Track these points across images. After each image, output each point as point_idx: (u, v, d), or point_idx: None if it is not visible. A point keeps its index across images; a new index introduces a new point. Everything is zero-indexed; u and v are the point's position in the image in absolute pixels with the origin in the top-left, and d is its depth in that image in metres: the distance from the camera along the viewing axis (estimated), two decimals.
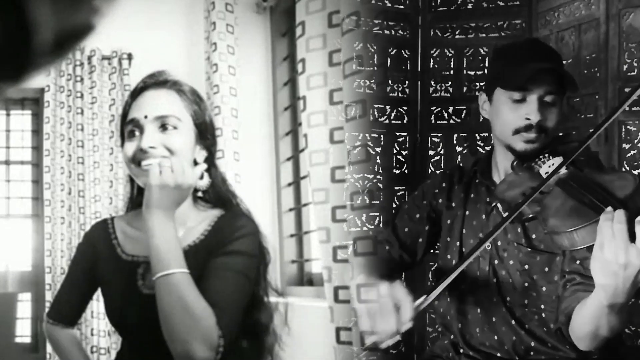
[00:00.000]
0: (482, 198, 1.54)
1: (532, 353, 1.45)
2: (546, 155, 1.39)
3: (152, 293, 1.23)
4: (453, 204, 1.59)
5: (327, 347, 2.04)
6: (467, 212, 1.55)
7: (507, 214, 1.33)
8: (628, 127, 1.78)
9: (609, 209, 1.11)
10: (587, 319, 1.23)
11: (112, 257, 1.36)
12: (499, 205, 1.45)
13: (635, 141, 1.77)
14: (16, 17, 0.27)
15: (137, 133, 1.31)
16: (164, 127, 1.30)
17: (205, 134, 1.37)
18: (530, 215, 1.31)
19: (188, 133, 1.33)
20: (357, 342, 1.87)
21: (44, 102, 3.58)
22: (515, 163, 1.43)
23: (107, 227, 1.42)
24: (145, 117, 1.30)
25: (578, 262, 1.35)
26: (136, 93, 1.35)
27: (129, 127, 1.32)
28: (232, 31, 3.29)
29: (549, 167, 1.34)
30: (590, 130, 1.23)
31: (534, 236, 1.44)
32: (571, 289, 1.34)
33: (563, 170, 1.30)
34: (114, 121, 3.52)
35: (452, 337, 1.57)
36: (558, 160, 1.35)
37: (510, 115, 1.41)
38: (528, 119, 1.39)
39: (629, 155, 1.78)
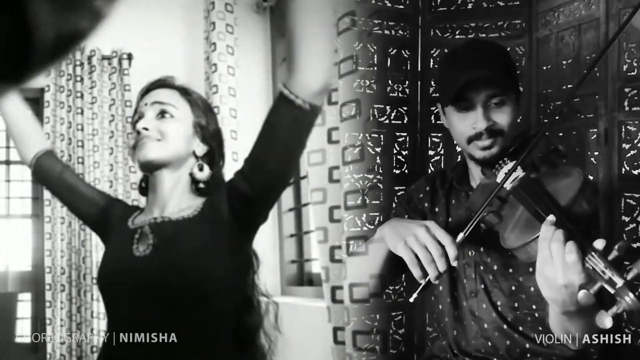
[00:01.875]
0: (462, 204, 1.53)
1: (528, 355, 1.45)
2: (505, 159, 1.37)
3: (142, 255, 1.34)
4: (436, 209, 1.58)
5: (328, 347, 2.04)
6: (449, 219, 1.55)
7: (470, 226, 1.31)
8: (628, 127, 1.78)
9: (548, 223, 1.11)
10: (554, 324, 1.25)
11: (124, 228, 1.44)
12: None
13: (635, 141, 1.77)
14: (16, 17, 0.27)
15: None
16: (162, 114, 1.42)
17: (207, 134, 1.45)
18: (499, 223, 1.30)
19: (184, 124, 1.42)
20: (350, 342, 1.86)
21: (44, 102, 3.58)
22: (482, 170, 1.42)
23: (133, 211, 1.51)
24: (146, 104, 1.43)
25: None
26: (144, 92, 1.48)
27: (136, 119, 1.44)
28: (232, 31, 3.28)
29: (505, 173, 1.32)
30: (540, 129, 1.23)
31: None
32: None
33: (520, 173, 1.28)
34: (114, 121, 3.52)
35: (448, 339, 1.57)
36: (512, 164, 1.32)
37: (460, 126, 1.41)
38: (475, 127, 1.38)
39: (629, 155, 1.78)
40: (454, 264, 1.21)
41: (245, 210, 1.32)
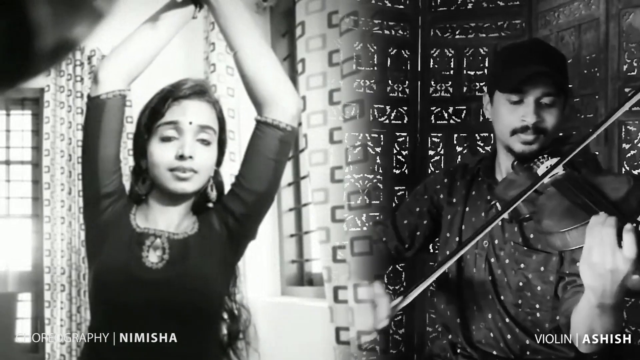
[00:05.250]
0: (483, 196, 1.55)
1: (528, 352, 1.46)
2: (545, 155, 1.40)
3: (155, 268, 1.30)
4: (454, 200, 1.60)
5: (327, 347, 2.04)
6: (467, 209, 1.57)
7: (502, 212, 1.33)
8: (628, 127, 1.78)
9: (601, 213, 1.12)
10: (581, 320, 1.24)
11: (127, 227, 1.35)
12: (497, 204, 1.46)
13: (635, 141, 1.77)
14: (17, 18, 0.27)
15: (175, 137, 1.31)
16: (202, 141, 1.32)
17: (222, 150, 1.41)
18: (527, 215, 1.32)
19: (214, 152, 1.36)
20: (355, 342, 1.87)
21: (44, 102, 3.58)
22: (515, 163, 1.44)
23: (130, 207, 1.39)
24: (190, 123, 1.31)
25: (578, 264, 1.36)
26: (178, 97, 1.33)
27: (167, 128, 1.31)
28: None
29: (546, 167, 1.35)
30: (590, 130, 1.24)
31: (531, 236, 1.45)
32: (572, 291, 1.35)
33: (560, 171, 1.30)
34: None
35: (449, 336, 1.58)
36: (555, 160, 1.35)
37: (508, 116, 1.43)
38: (524, 120, 1.40)
39: (629, 155, 1.78)
40: (379, 325, 1.28)
41: (239, 228, 1.37)
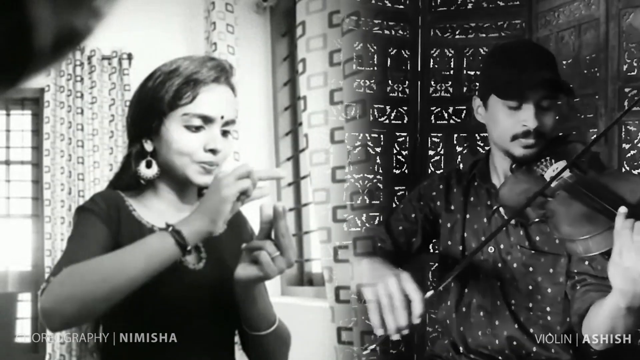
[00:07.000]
0: (482, 201, 1.53)
1: (532, 354, 1.45)
2: (547, 158, 1.39)
3: (197, 269, 1.25)
4: (452, 207, 1.58)
5: (327, 347, 2.04)
6: (467, 216, 1.55)
7: (510, 218, 1.33)
8: (628, 127, 1.78)
9: (622, 214, 1.11)
10: (603, 320, 1.23)
11: (137, 227, 1.24)
12: (501, 209, 1.44)
13: (635, 141, 1.77)
14: (16, 17, 0.27)
15: (203, 127, 1.23)
16: (225, 131, 1.26)
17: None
18: (537, 220, 1.31)
19: (231, 141, 1.29)
20: (358, 342, 1.87)
21: (44, 102, 3.58)
22: (514, 166, 1.43)
23: (121, 197, 1.26)
24: (222, 117, 1.24)
25: (587, 262, 1.37)
26: (205, 82, 1.23)
27: (196, 119, 1.22)
28: (232, 31, 3.29)
29: (553, 171, 1.34)
30: (595, 132, 1.24)
31: (537, 238, 1.44)
32: (582, 290, 1.35)
33: (567, 174, 1.29)
34: (114, 121, 3.52)
35: (451, 338, 1.57)
36: (562, 164, 1.34)
37: (507, 121, 1.40)
38: (525, 125, 1.38)
39: (628, 155, 1.78)
40: (416, 321, 1.18)
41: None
